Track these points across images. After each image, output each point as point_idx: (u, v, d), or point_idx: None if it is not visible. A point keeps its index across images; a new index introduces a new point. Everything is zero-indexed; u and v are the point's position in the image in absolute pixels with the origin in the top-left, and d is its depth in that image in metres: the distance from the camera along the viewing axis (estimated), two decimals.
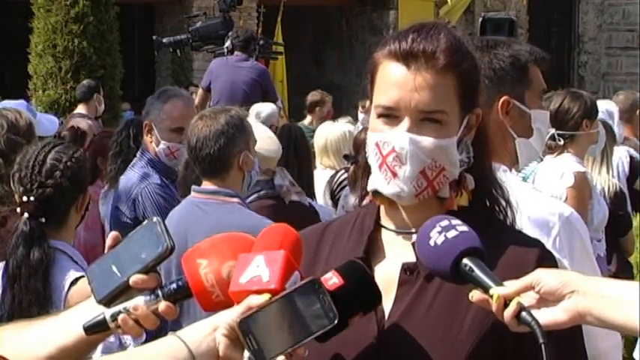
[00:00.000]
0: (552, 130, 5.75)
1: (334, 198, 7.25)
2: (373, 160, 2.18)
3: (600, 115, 7.97)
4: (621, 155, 7.88)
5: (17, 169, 3.73)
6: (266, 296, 1.95)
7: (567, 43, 22.09)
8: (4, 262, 3.69)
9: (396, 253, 2.21)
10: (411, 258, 2.17)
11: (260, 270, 1.99)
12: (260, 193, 4.91)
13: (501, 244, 2.14)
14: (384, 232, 2.25)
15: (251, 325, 1.92)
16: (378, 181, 2.18)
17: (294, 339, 1.92)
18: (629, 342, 5.79)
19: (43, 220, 3.65)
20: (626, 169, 7.82)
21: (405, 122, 2.12)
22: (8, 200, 4.33)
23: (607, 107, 8.25)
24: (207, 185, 4.53)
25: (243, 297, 1.98)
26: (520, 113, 3.11)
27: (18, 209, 3.71)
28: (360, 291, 2.01)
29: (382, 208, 2.26)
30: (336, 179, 7.34)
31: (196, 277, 2.05)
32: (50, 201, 3.67)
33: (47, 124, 7.56)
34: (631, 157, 7.95)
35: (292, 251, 2.04)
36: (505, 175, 3.01)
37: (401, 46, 2.14)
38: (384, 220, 2.26)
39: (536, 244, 2.23)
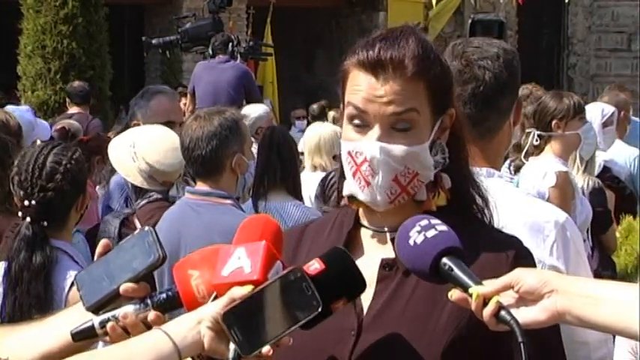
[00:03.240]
0: (532, 130, 5.79)
1: (327, 200, 7.23)
2: (347, 167, 2.20)
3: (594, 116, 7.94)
4: (597, 162, 7.84)
5: (16, 172, 3.73)
6: (249, 288, 1.96)
7: (556, 45, 22.13)
8: (4, 264, 3.70)
9: (375, 250, 2.23)
10: (390, 254, 2.19)
11: (242, 262, 2.00)
12: (150, 198, 4.91)
13: (479, 242, 2.16)
14: (363, 230, 2.28)
15: (235, 317, 1.93)
16: (353, 188, 2.20)
17: (279, 329, 1.93)
18: None
19: (45, 223, 3.66)
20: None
21: (376, 130, 2.14)
22: (2, 202, 4.33)
23: (603, 108, 8.23)
24: (200, 186, 4.55)
25: (226, 289, 1.98)
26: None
27: (19, 213, 3.71)
28: (341, 276, 2.01)
29: (361, 208, 2.28)
30: (328, 180, 7.31)
31: (187, 287, 2.05)
32: (51, 204, 3.68)
33: (42, 129, 7.62)
34: (604, 167, 7.89)
35: (273, 241, 2.04)
36: (498, 182, 3.02)
37: (369, 56, 2.15)
38: (363, 220, 2.28)
39: (513, 241, 2.25)
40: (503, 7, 20.01)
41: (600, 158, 7.86)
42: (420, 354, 2.11)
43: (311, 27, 20.16)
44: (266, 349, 1.92)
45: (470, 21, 17.84)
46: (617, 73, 21.39)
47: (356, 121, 2.17)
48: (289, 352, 2.03)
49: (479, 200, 2.29)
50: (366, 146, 2.15)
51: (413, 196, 2.20)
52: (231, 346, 1.94)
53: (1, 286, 3.68)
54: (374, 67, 2.14)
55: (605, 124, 8.19)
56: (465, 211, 2.27)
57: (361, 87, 2.16)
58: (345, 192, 2.24)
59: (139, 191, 4.91)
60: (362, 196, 2.19)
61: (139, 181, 4.86)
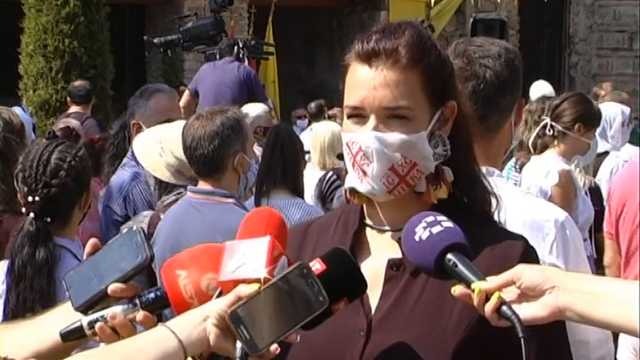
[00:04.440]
0: (547, 119, 5.79)
1: (325, 199, 7.23)
2: (347, 159, 2.22)
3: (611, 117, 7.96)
4: (618, 163, 7.85)
5: (21, 168, 3.75)
6: (255, 285, 1.95)
7: (558, 44, 22.11)
8: (7, 262, 3.71)
9: (382, 250, 2.23)
10: (397, 254, 2.19)
11: (247, 258, 1.99)
12: (178, 194, 4.91)
13: (485, 238, 2.16)
14: (368, 229, 2.28)
15: (242, 316, 1.93)
16: (352, 180, 2.22)
17: (286, 326, 1.93)
18: None
19: (49, 219, 3.68)
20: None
21: (371, 121, 2.16)
22: (4, 200, 4.35)
23: (623, 108, 8.25)
24: (202, 186, 4.55)
25: (232, 287, 1.98)
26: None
27: (23, 209, 3.72)
28: (342, 276, 2.01)
29: (365, 205, 2.29)
30: (326, 180, 7.32)
31: (175, 288, 2.05)
32: (55, 201, 3.70)
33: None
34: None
35: (278, 236, 2.04)
36: (498, 181, 3.02)
37: (364, 47, 2.19)
38: (367, 219, 2.28)
39: (519, 238, 2.25)
40: (505, 6, 20.00)
41: (621, 159, 7.88)
42: (431, 354, 2.11)
43: (312, 26, 20.15)
44: (273, 347, 1.92)
45: (471, 20, 17.80)
46: (619, 72, 21.38)
47: (353, 113, 2.20)
48: (298, 354, 2.03)
49: (485, 196, 2.30)
50: (361, 136, 2.17)
51: (413, 188, 2.21)
52: (238, 344, 1.93)
53: (4, 284, 3.69)
54: (369, 57, 2.18)
55: (622, 124, 8.22)
56: (468, 206, 2.27)
57: (357, 78, 2.19)
58: (346, 185, 2.25)
59: (164, 187, 4.90)
60: (361, 187, 2.20)
61: (166, 176, 4.86)
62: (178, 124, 5.08)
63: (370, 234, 2.28)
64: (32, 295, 3.59)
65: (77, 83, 11.65)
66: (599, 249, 6.67)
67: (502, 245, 2.19)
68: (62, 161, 3.71)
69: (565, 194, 5.68)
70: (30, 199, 3.68)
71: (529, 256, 2.20)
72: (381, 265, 2.20)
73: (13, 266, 3.64)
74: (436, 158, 2.21)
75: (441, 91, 2.22)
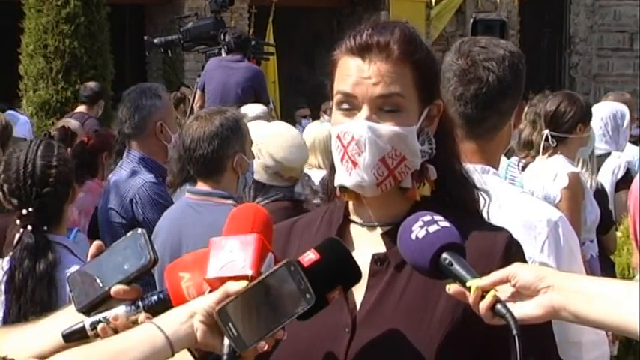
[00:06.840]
0: (546, 132, 5.82)
1: (328, 199, 7.22)
2: (336, 153, 2.23)
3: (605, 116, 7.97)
4: (620, 164, 7.85)
5: (4, 179, 3.71)
6: (243, 283, 1.96)
7: (558, 44, 22.13)
8: (5, 264, 3.70)
9: (365, 245, 2.24)
10: (381, 249, 2.21)
11: (234, 255, 2.00)
12: (277, 196, 4.89)
13: (468, 233, 2.17)
14: (352, 226, 2.29)
15: (230, 313, 1.94)
16: (341, 175, 2.22)
17: (274, 323, 1.94)
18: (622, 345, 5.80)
19: (45, 228, 3.68)
20: (618, 176, 7.80)
21: (364, 111, 2.18)
22: None
23: (620, 109, 8.25)
24: (201, 186, 4.55)
25: (219, 284, 1.99)
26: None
27: (18, 221, 3.70)
28: (336, 264, 2.02)
29: (350, 203, 2.30)
30: (326, 181, 7.31)
31: (178, 290, 2.06)
32: (48, 207, 3.69)
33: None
34: (627, 170, 7.90)
35: (264, 232, 2.05)
36: (493, 179, 3.02)
37: (356, 41, 2.22)
38: (352, 215, 2.29)
39: (503, 232, 2.26)
40: (505, 6, 20.01)
41: (623, 160, 7.88)
42: (416, 349, 2.12)
43: (313, 26, 20.17)
44: (261, 343, 1.94)
45: (472, 20, 17.81)
46: (619, 73, 21.41)
47: (345, 106, 2.21)
48: (284, 351, 2.04)
49: (472, 194, 2.31)
50: (353, 126, 2.18)
51: (399, 183, 2.22)
52: (226, 341, 1.95)
53: (2, 284, 3.68)
54: (361, 51, 2.20)
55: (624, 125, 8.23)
56: (453, 204, 2.27)
57: (350, 72, 2.21)
58: (336, 183, 2.26)
59: (260, 188, 4.90)
60: (349, 181, 2.20)
61: (264, 178, 4.84)
62: (276, 126, 5.07)
63: (354, 230, 2.28)
64: (33, 308, 3.57)
65: (88, 84, 11.69)
66: (605, 250, 6.69)
67: (486, 239, 2.21)
68: (48, 168, 3.69)
69: (574, 197, 5.69)
70: (24, 212, 3.66)
71: (512, 249, 2.21)
72: (365, 259, 2.20)
73: (14, 278, 3.63)
74: (422, 155, 2.24)
75: (430, 87, 2.25)
